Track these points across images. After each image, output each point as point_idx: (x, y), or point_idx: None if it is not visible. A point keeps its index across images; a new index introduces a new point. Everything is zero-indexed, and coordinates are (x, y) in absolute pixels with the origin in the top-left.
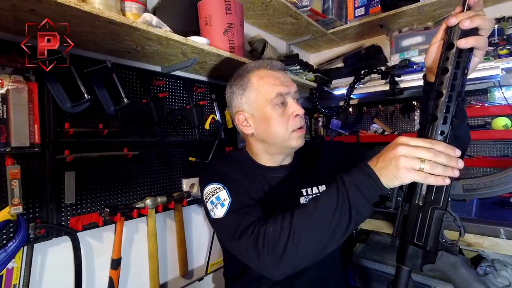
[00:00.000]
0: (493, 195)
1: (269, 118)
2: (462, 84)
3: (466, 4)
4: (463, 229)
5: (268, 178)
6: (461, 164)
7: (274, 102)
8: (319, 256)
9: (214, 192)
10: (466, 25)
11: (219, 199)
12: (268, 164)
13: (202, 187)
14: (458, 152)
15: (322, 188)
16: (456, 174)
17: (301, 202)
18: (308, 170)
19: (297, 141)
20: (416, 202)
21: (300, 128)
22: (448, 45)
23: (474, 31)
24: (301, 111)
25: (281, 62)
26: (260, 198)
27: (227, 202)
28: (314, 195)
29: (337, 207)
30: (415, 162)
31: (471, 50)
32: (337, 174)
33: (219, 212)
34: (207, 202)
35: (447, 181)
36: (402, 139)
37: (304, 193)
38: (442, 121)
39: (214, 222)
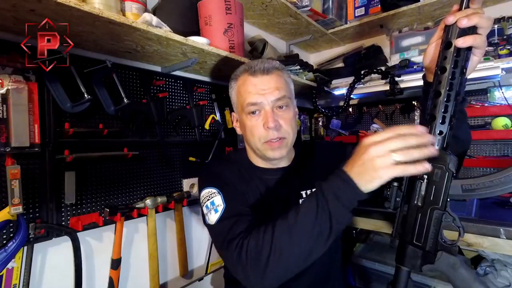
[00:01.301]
0: (492, 195)
1: (244, 125)
2: (461, 83)
3: (464, 2)
4: (462, 229)
5: (265, 180)
6: (431, 138)
7: (246, 110)
8: (304, 266)
9: (210, 197)
10: (464, 23)
11: (214, 204)
12: (264, 166)
13: (199, 190)
14: (421, 128)
15: None
16: (432, 151)
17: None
18: (308, 172)
19: (272, 152)
20: (415, 202)
21: (276, 140)
22: (446, 44)
23: (472, 30)
24: (272, 124)
25: (281, 62)
26: (257, 201)
27: (220, 208)
28: None
29: (317, 218)
30: (389, 157)
31: (469, 49)
32: (316, 182)
33: (212, 217)
34: (203, 206)
35: (427, 166)
36: (368, 140)
37: (304, 195)
38: (440, 121)
39: (208, 227)
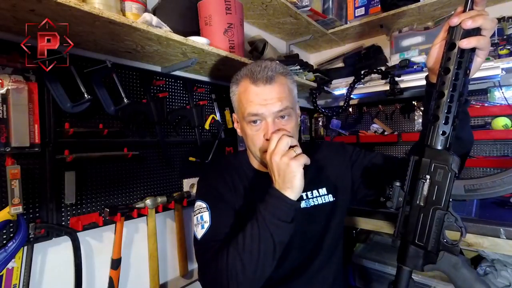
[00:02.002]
0: (494, 195)
1: (245, 132)
2: (464, 84)
3: (468, 4)
4: (465, 229)
5: (265, 185)
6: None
7: (246, 119)
8: (264, 278)
9: (200, 211)
10: (469, 25)
11: (202, 219)
12: (265, 170)
13: (195, 197)
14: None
15: (323, 191)
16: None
17: (301, 206)
18: (308, 173)
19: None
20: (418, 202)
21: None
22: (450, 45)
23: (476, 31)
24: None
25: (281, 62)
26: (255, 205)
27: (206, 225)
28: (315, 198)
29: (260, 238)
30: (290, 152)
31: (473, 50)
32: (256, 204)
33: (199, 232)
34: (194, 216)
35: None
36: (268, 155)
37: (305, 197)
38: (443, 121)
39: (194, 239)
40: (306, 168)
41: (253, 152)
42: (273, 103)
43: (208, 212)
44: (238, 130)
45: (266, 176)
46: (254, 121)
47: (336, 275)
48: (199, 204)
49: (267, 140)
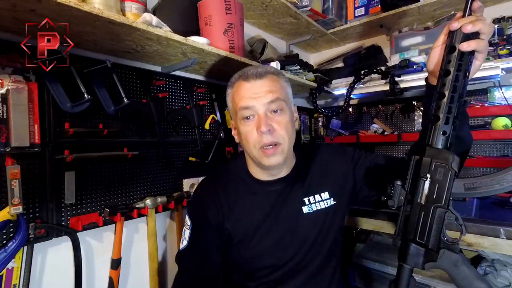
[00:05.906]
0: (493, 193)
1: (240, 132)
2: (464, 86)
3: (468, 9)
4: (464, 227)
5: (265, 192)
6: None
7: (239, 115)
8: None
9: (185, 226)
10: (469, 29)
11: (184, 234)
12: (264, 178)
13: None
14: None
15: (325, 195)
16: None
17: (304, 212)
18: (310, 178)
19: (267, 159)
20: (418, 201)
21: (270, 146)
22: (450, 48)
23: (475, 35)
24: (264, 128)
25: (281, 62)
26: (259, 217)
27: (185, 243)
28: (317, 203)
29: None
30: None
31: (472, 53)
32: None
33: (180, 245)
34: (183, 226)
35: None
36: None
37: (307, 202)
38: (444, 122)
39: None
40: (308, 172)
41: (249, 151)
42: (263, 95)
43: (189, 231)
44: (236, 137)
45: (266, 185)
46: (247, 117)
47: (334, 275)
48: (187, 219)
49: (261, 132)
